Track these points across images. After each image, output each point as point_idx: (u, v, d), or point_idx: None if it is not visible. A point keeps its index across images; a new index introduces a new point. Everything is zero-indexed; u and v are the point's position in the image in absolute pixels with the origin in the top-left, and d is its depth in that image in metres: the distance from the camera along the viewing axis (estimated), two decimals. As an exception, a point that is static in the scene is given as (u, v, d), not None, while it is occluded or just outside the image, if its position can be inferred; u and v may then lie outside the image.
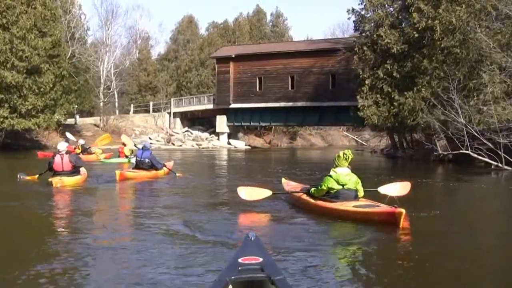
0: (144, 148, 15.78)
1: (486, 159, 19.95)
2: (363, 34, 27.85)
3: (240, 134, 53.47)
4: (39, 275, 5.14)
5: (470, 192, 14.22)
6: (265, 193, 9.82)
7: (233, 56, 48.23)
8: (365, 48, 26.57)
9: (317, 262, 5.76)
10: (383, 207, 7.98)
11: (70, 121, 41.73)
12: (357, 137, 77.22)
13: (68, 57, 34.82)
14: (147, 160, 15.35)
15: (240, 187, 10.05)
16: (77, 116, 43.41)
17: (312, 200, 9.07)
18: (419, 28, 23.81)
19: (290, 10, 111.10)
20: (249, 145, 52.20)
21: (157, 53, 70.34)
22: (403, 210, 7.36)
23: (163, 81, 60.72)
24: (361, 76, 26.83)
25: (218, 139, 49.81)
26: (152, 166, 15.45)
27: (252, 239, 3.97)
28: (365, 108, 26.18)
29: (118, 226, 8.01)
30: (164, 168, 16.06)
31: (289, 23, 73.80)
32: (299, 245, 6.53)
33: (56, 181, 12.37)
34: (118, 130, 44.15)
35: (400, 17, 25.55)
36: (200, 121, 54.18)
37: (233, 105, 48.38)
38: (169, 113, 51.84)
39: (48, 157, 17.31)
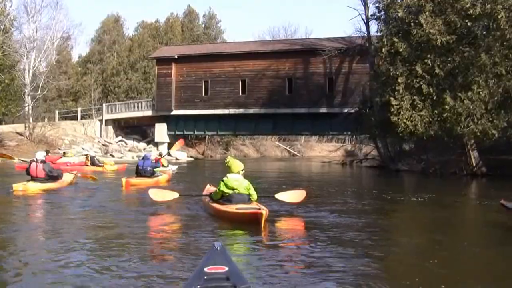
0: (145, 158, 17.31)
1: None
2: (392, 22, 23.22)
3: (171, 145, 48.20)
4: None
5: None
6: (173, 195, 10.61)
7: (176, 57, 43.18)
8: (395, 39, 22.09)
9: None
10: (252, 209, 8.65)
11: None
12: (289, 148, 74.34)
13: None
14: (148, 168, 16.73)
15: (151, 189, 10.94)
16: (-4, 123, 36.60)
17: (209, 203, 9.73)
18: (473, 16, 19.81)
19: (221, 14, 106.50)
20: (191, 156, 47.30)
21: (77, 55, 63.53)
22: (263, 212, 8.24)
23: (86, 86, 54.45)
24: (391, 73, 22.26)
25: (157, 149, 44.32)
26: (153, 174, 16.90)
27: (218, 248, 3.86)
28: (401, 111, 21.48)
29: (69, 238, 7.50)
30: (165, 175, 17.80)
31: (222, 25, 69.23)
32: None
33: (17, 186, 13.21)
34: (46, 139, 37.81)
35: (441, 2, 21.10)
36: (132, 129, 48.54)
37: (175, 112, 43.33)
38: (101, 121, 45.72)
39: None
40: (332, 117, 37.60)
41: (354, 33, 34.21)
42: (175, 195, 10.56)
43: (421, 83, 21.04)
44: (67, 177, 15.38)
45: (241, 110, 41.34)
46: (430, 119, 21.10)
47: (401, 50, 21.61)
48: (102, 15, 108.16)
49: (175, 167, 21.07)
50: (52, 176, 14.20)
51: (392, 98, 21.53)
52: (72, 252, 6.54)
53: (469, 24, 19.97)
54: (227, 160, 9.63)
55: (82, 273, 5.54)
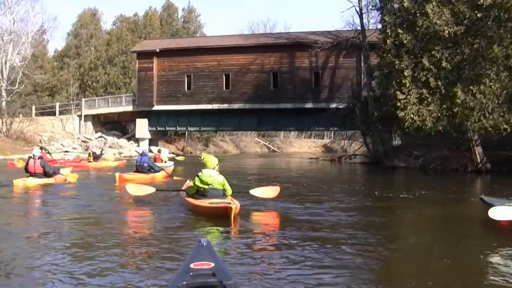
0: (143, 154, 17.78)
1: None
2: (397, 13, 22.21)
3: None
4: None
5: None
6: (149, 189, 10.99)
7: (158, 50, 42.06)
8: (399, 30, 21.10)
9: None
10: (223, 203, 8.81)
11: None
12: (268, 143, 73.69)
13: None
14: (145, 164, 17.11)
15: (128, 184, 11.58)
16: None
17: (185, 198, 10.00)
18: (483, 6, 18.89)
19: (199, 8, 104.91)
20: (173, 153, 46.16)
21: (53, 50, 61.73)
22: (233, 206, 8.53)
23: (63, 81, 52.93)
24: (396, 66, 21.18)
25: (138, 145, 43.26)
26: (150, 170, 17.12)
27: (204, 244, 3.97)
28: (408, 106, 20.42)
29: (56, 238, 7.30)
30: (163, 171, 17.82)
31: (202, 20, 67.87)
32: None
33: (17, 181, 13.79)
34: (24, 135, 36.43)
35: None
36: (113, 125, 47.25)
37: (156, 107, 42.24)
38: (79, 116, 44.34)
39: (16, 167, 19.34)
40: (318, 113, 37.01)
41: (346, 27, 33.48)
42: (152, 190, 10.96)
43: (428, 76, 20.25)
44: (65, 173, 15.98)
45: (225, 106, 40.50)
46: (439, 114, 20.35)
47: (405, 41, 20.80)
48: (79, 9, 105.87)
49: (172, 163, 21.67)
50: (49, 172, 14.73)
51: (398, 92, 20.62)
52: (59, 252, 6.39)
53: (478, 15, 19.20)
54: (202, 157, 9.86)
55: (68, 273, 5.45)
